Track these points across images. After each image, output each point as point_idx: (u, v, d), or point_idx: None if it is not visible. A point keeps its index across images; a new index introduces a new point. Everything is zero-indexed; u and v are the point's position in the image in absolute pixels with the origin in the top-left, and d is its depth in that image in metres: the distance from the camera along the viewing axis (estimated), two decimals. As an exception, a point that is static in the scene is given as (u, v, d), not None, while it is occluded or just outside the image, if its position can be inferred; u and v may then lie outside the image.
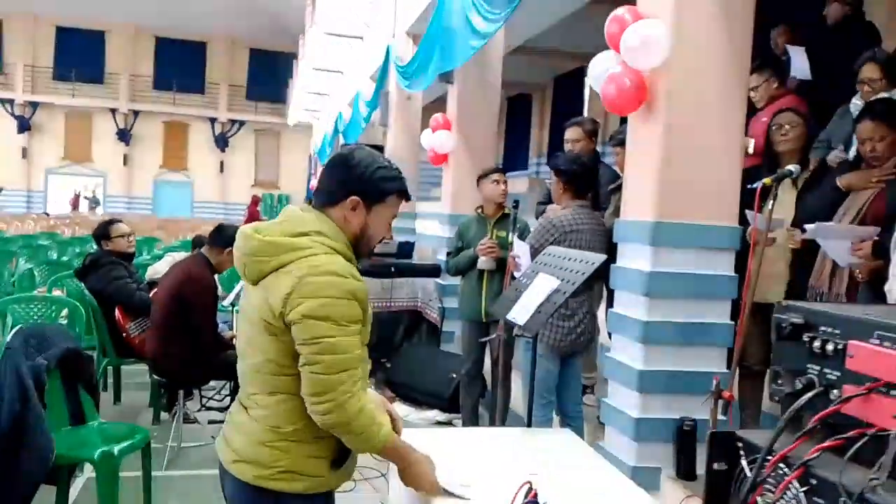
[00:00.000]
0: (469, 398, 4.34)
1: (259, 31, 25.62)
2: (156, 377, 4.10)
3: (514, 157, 14.99)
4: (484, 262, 4.05)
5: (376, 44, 10.96)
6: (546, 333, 3.24)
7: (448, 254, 4.42)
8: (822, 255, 2.80)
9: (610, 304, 3.65)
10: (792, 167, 2.54)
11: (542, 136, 14.36)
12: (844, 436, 0.84)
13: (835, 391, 0.87)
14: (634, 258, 3.16)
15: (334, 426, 1.58)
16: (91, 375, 3.19)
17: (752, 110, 4.25)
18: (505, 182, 4.14)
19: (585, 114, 11.06)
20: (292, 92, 22.90)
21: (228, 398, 4.41)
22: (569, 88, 12.71)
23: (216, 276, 4.10)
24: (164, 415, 4.50)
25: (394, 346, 5.79)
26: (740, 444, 0.96)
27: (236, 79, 27.16)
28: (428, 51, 6.82)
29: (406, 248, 5.88)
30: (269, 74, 26.52)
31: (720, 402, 2.36)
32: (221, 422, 4.04)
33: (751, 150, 3.86)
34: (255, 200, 16.14)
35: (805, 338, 0.92)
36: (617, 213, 3.70)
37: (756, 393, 3.28)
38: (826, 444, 0.84)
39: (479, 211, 4.26)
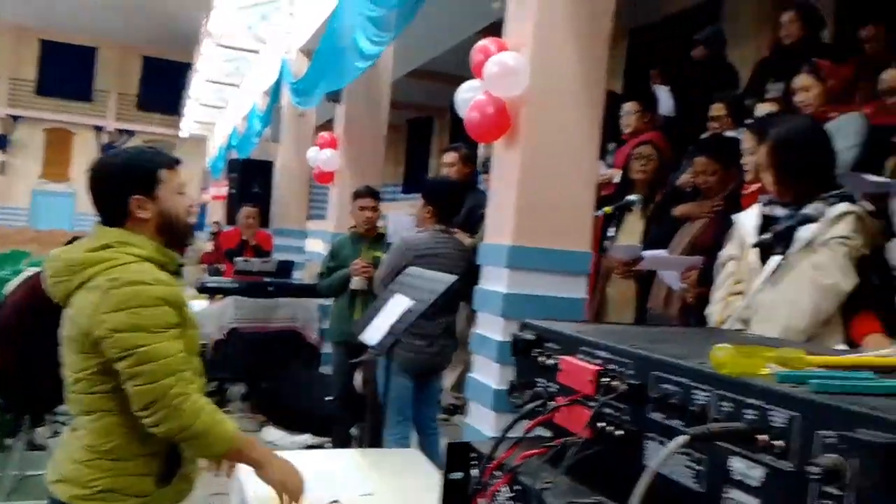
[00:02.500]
0: (340, 421, 4.28)
1: (154, 38, 24.66)
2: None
3: (415, 180, 15.09)
4: (356, 283, 4.03)
5: (271, 59, 10.80)
6: (399, 352, 3.26)
7: (320, 274, 4.38)
8: (657, 280, 2.97)
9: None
10: (633, 197, 2.69)
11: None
12: (547, 444, 0.90)
13: (552, 403, 0.93)
14: (493, 280, 3.24)
15: (176, 434, 1.52)
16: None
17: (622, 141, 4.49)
18: (373, 209, 4.13)
19: None
20: (187, 103, 22.17)
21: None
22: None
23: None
24: (8, 440, 4.18)
25: (270, 368, 5.64)
26: (473, 454, 1.01)
27: (128, 87, 25.99)
28: (318, 69, 6.80)
29: (285, 268, 5.76)
30: (164, 84, 25.53)
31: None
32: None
33: (616, 180, 4.06)
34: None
35: (534, 353, 0.98)
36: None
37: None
38: (531, 451, 0.90)
39: (353, 230, 4.24)
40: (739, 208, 2.72)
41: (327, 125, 9.50)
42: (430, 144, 15.07)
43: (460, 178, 4.25)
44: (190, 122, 20.90)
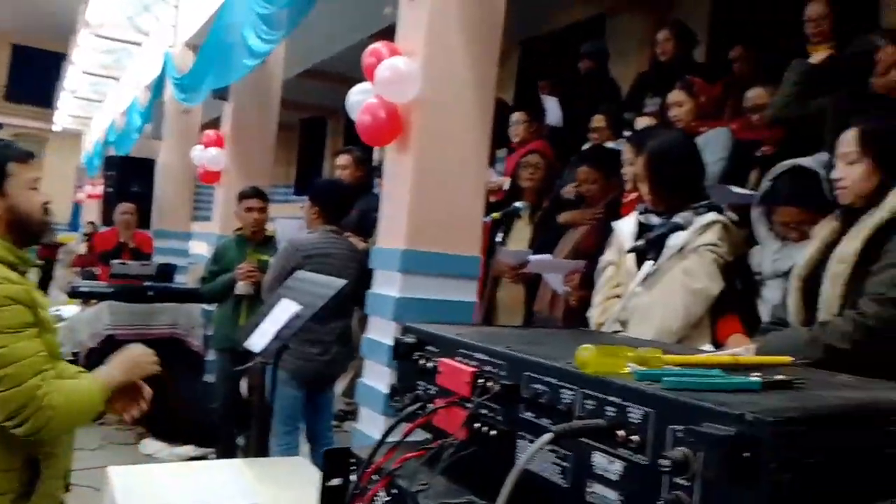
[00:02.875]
0: (224, 431, 4.13)
1: (24, 25, 22.93)
2: None
3: (307, 181, 14.79)
4: (241, 287, 3.91)
5: (154, 52, 10.30)
6: (288, 359, 3.20)
7: (203, 278, 4.21)
8: (543, 284, 3.07)
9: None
10: (519, 204, 2.77)
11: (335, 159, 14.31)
12: (425, 447, 0.91)
13: (431, 405, 0.94)
14: (386, 284, 3.23)
15: (56, 429, 1.48)
16: None
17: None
18: (260, 210, 4.02)
19: None
20: (61, 95, 20.76)
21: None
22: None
23: None
24: None
25: (149, 377, 5.36)
26: (353, 460, 1.01)
27: (-7, 76, 24.05)
28: (204, 64, 6.55)
29: (166, 271, 5.50)
30: (35, 74, 23.79)
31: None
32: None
33: (506, 188, 4.16)
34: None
35: (415, 356, 0.99)
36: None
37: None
38: (408, 455, 0.90)
39: (239, 232, 4.11)
40: (619, 216, 2.85)
41: (214, 123, 9.17)
42: (324, 146, 14.84)
43: (353, 181, 4.21)
44: (64, 115, 19.58)
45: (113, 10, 10.49)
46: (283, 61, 6.39)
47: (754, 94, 3.02)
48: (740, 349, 1.85)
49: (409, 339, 1.05)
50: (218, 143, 6.09)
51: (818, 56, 3.65)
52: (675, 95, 3.32)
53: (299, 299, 2.51)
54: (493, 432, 0.84)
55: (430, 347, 1.00)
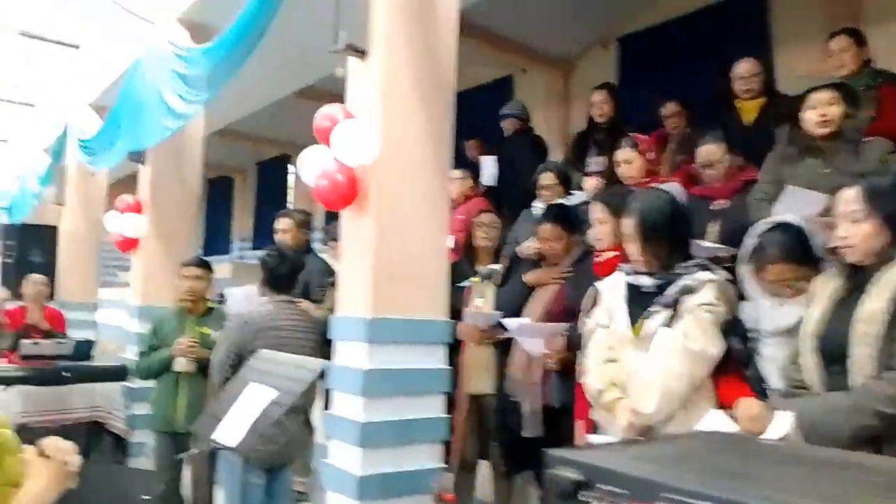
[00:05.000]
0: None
1: None
2: None
3: (215, 241, 14.23)
4: (181, 364, 3.62)
5: (52, 113, 9.72)
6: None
7: (141, 353, 3.88)
8: (516, 346, 3.00)
9: (327, 405, 3.48)
10: (496, 266, 2.70)
11: (244, 220, 13.90)
12: None
13: None
14: (351, 356, 3.06)
15: None
16: None
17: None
18: (198, 278, 3.77)
19: (291, 201, 10.96)
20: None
21: None
22: (273, 173, 12.58)
23: None
24: None
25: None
26: None
27: None
28: (115, 126, 6.20)
29: (84, 349, 5.05)
30: None
31: (442, 505, 2.31)
32: None
33: (451, 246, 4.08)
34: None
35: (582, 497, 0.83)
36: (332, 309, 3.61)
37: (469, 484, 3.34)
38: None
39: (179, 303, 3.83)
40: (590, 274, 2.83)
41: (122, 184, 8.61)
42: (231, 205, 14.37)
43: (297, 245, 4.04)
44: (-59, 179, 18.11)
45: (4, 70, 9.83)
46: (203, 120, 6.13)
47: (706, 151, 3.11)
48: (762, 414, 1.82)
49: (573, 474, 0.85)
50: (136, 208, 5.72)
51: (749, 115, 3.86)
52: (624, 153, 3.38)
53: (272, 383, 2.31)
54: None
55: (607, 487, 0.82)
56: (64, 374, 4.80)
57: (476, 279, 2.51)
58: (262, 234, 11.73)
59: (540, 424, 2.98)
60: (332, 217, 4.08)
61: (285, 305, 3.27)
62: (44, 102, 10.22)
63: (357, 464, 2.91)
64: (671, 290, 2.06)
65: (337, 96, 3.28)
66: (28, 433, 4.20)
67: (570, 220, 3.13)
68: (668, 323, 2.01)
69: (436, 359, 3.18)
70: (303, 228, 4.22)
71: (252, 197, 13.69)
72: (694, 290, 2.04)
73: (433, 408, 3.15)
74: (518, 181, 4.56)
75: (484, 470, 3.46)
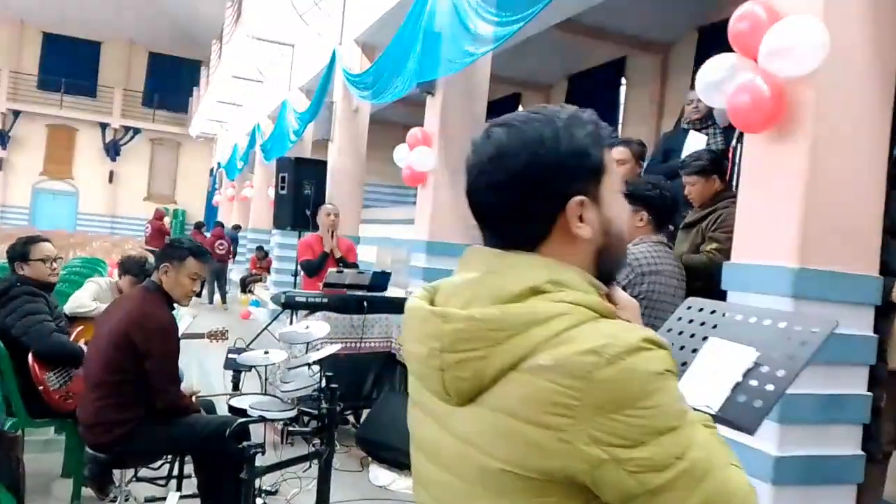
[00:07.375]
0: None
1: (160, 36, 23.81)
2: (89, 451, 3.01)
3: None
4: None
5: (313, 52, 10.05)
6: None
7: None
8: None
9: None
10: None
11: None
12: None
13: None
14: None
15: None
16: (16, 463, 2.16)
17: None
18: None
19: (620, 127, 10.04)
20: (197, 101, 21.31)
21: (168, 465, 3.39)
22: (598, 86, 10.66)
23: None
24: (85, 490, 3.41)
25: (363, 395, 4.91)
26: None
27: (133, 84, 25.04)
28: (399, 58, 6.07)
29: (381, 280, 5.03)
30: (171, 81, 24.69)
31: None
32: (161, 499, 2.99)
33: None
34: (160, 215, 13.37)
35: None
36: (696, 250, 3.10)
37: (881, 477, 2.72)
38: None
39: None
40: None
41: (381, 121, 8.60)
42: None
43: (632, 177, 3.55)
44: (201, 120, 20.03)
45: (269, 11, 10.30)
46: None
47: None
48: None
49: None
50: (425, 141, 5.58)
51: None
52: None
53: (744, 341, 1.84)
54: None
55: None
56: (363, 304, 4.81)
57: None
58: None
59: None
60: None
61: (661, 247, 2.80)
62: (304, 42, 10.62)
63: (773, 443, 2.41)
64: None
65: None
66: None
67: None
68: None
69: (862, 324, 2.56)
70: (639, 161, 3.71)
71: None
72: None
73: (854, 383, 2.55)
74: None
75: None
